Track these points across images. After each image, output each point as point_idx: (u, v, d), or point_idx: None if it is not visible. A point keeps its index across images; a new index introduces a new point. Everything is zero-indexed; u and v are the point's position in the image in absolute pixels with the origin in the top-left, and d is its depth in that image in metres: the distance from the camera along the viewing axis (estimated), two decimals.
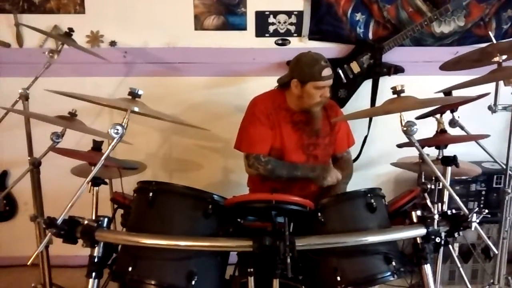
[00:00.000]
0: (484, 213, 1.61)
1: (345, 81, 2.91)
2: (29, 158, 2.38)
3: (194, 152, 3.15)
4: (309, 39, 2.97)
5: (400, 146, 2.14)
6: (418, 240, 1.72)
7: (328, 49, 2.93)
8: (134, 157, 2.64)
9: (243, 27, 2.96)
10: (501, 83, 2.08)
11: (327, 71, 2.24)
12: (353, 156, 2.77)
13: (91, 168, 1.65)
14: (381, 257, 1.71)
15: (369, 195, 1.80)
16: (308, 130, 2.38)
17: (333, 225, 1.79)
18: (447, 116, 2.27)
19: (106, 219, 1.70)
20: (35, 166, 2.33)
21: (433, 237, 1.67)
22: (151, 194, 1.73)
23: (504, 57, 1.99)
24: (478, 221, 1.59)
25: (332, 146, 2.48)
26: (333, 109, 2.50)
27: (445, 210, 1.77)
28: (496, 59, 1.99)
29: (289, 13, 2.94)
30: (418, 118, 2.25)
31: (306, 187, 2.39)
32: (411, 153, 1.92)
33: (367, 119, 2.97)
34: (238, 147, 2.43)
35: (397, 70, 2.97)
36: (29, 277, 2.59)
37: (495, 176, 2.89)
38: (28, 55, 2.91)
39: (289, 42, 2.98)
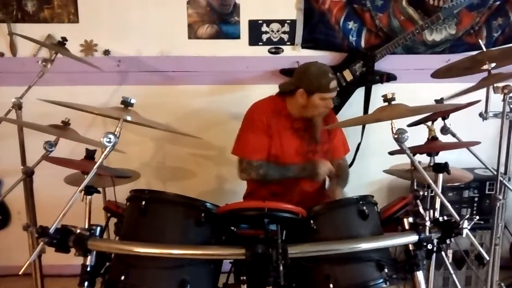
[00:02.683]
0: (475, 219, 1.62)
1: (338, 89, 2.92)
2: (22, 167, 2.37)
3: (187, 161, 3.15)
4: (302, 47, 2.99)
5: (392, 153, 2.15)
6: (410, 247, 1.73)
7: (321, 57, 2.94)
8: (127, 166, 2.64)
9: (236, 36, 2.97)
10: (491, 90, 2.10)
11: (334, 83, 2.27)
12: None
13: (84, 177, 1.65)
14: (374, 264, 1.72)
15: (361, 202, 1.81)
16: (308, 137, 2.40)
17: (326, 232, 1.79)
18: (439, 123, 2.28)
19: (98, 228, 1.70)
20: (28, 175, 2.32)
21: (425, 243, 1.68)
22: (143, 202, 1.74)
23: (493, 64, 2.01)
24: (469, 227, 1.60)
25: (329, 153, 2.49)
26: (330, 116, 2.52)
27: (437, 216, 1.77)
28: (485, 67, 2.01)
29: (282, 22, 2.96)
30: (409, 125, 2.27)
31: (304, 193, 2.40)
32: (405, 160, 1.93)
33: (360, 126, 2.99)
34: (234, 151, 2.44)
35: (390, 78, 2.99)
36: (22, 287, 2.58)
37: (487, 183, 2.91)
38: (22, 64, 2.91)
39: (282, 51, 3.00)
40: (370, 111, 2.97)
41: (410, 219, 1.75)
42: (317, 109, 2.31)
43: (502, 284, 2.57)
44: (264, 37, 2.98)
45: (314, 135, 2.39)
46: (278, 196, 2.34)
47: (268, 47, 3.00)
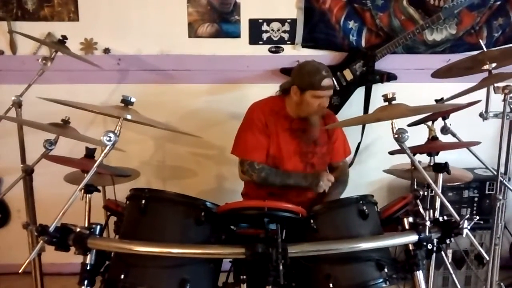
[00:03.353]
0: (475, 219, 1.62)
1: (338, 88, 2.91)
2: (21, 165, 2.37)
3: (188, 160, 3.15)
4: (303, 46, 2.98)
5: (392, 153, 2.15)
6: (410, 247, 1.73)
7: (321, 56, 2.94)
8: (127, 165, 2.64)
9: (236, 35, 2.97)
10: (492, 90, 2.10)
11: (327, 82, 2.25)
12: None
13: (84, 176, 1.65)
14: (374, 264, 1.72)
15: (361, 202, 1.81)
16: (306, 138, 2.39)
17: (326, 232, 1.79)
18: (439, 123, 2.28)
19: (98, 227, 1.70)
20: (27, 173, 2.33)
21: (425, 243, 1.68)
22: (143, 201, 1.74)
23: (494, 65, 2.00)
24: (469, 227, 1.60)
25: (329, 155, 2.48)
26: (331, 118, 2.51)
27: (437, 216, 1.77)
28: (486, 67, 2.01)
29: (282, 21, 2.96)
30: (410, 125, 2.27)
31: (302, 193, 2.39)
32: (405, 160, 1.93)
33: (360, 126, 2.98)
34: (234, 152, 2.44)
35: (390, 77, 2.98)
36: (21, 285, 2.58)
37: (487, 183, 2.91)
38: (22, 62, 2.91)
39: (283, 50, 3.00)
40: (370, 110, 2.97)
41: (410, 219, 1.75)
42: (311, 107, 2.29)
43: (502, 284, 2.57)
44: (265, 36, 2.98)
45: (310, 135, 2.38)
46: (276, 196, 2.34)
47: (269, 46, 2.99)
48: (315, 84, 2.23)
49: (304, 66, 2.32)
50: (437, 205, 2.11)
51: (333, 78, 2.86)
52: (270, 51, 3.00)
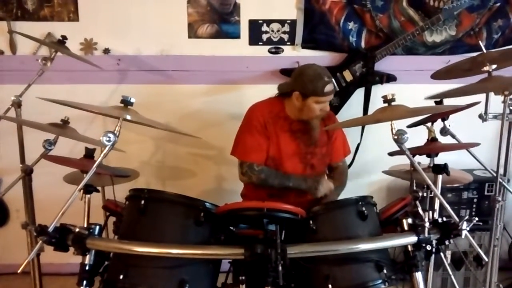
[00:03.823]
0: (475, 221, 1.63)
1: (337, 89, 2.91)
2: (21, 165, 2.37)
3: (187, 160, 3.15)
4: (302, 47, 2.99)
5: (391, 154, 2.15)
6: (409, 248, 1.73)
7: (321, 57, 2.95)
8: (127, 165, 2.64)
9: (236, 36, 2.97)
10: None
11: (329, 87, 2.24)
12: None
13: (84, 176, 1.65)
14: (373, 264, 1.73)
15: (360, 203, 1.82)
16: (306, 139, 2.39)
17: (325, 233, 1.80)
18: (438, 124, 2.28)
19: (97, 227, 1.70)
20: (27, 173, 2.32)
21: (424, 244, 1.69)
22: (143, 201, 1.74)
23: (494, 66, 2.00)
24: (468, 229, 1.60)
25: (329, 156, 2.48)
26: (331, 118, 2.51)
27: (436, 218, 1.77)
28: (486, 68, 2.01)
29: (282, 22, 2.96)
30: (409, 126, 2.27)
31: (302, 194, 2.38)
32: (404, 161, 1.93)
33: (360, 127, 2.98)
34: (233, 153, 2.44)
35: (390, 78, 2.98)
36: (20, 285, 2.58)
37: (486, 184, 2.91)
38: (21, 62, 2.91)
39: (282, 51, 3.00)
40: (370, 111, 2.97)
41: (409, 220, 1.75)
42: (313, 112, 2.29)
43: (501, 285, 2.57)
44: (264, 37, 2.98)
45: (311, 138, 2.38)
46: (275, 197, 2.34)
47: (268, 47, 2.99)
48: (318, 90, 2.22)
49: (305, 71, 2.29)
50: (436, 206, 2.10)
51: (333, 80, 2.88)
52: (270, 52, 3.00)
